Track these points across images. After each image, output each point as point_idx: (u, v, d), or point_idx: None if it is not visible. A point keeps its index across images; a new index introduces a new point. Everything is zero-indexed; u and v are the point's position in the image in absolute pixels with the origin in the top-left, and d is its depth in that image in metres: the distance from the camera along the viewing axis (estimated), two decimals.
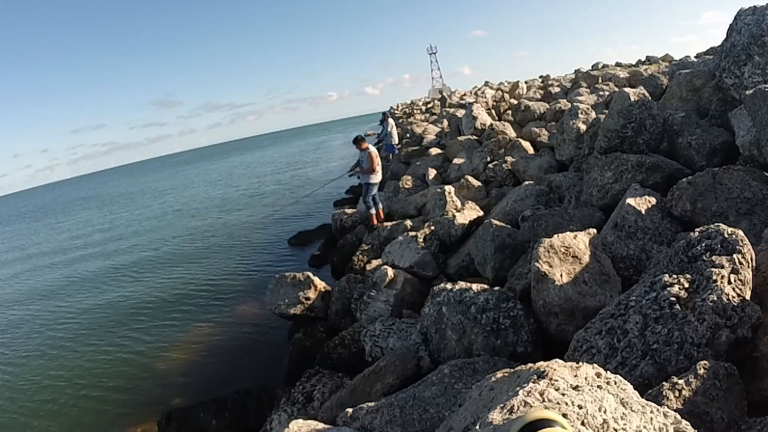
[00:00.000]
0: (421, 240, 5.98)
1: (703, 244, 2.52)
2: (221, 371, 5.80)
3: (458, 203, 6.74)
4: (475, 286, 3.69)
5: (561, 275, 3.27)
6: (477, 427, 1.50)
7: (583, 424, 1.36)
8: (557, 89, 17.86)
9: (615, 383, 1.61)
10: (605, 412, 1.42)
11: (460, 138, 11.66)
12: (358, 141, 8.74)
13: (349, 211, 10.22)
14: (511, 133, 10.06)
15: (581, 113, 7.05)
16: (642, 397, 1.65)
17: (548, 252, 3.37)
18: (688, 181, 3.91)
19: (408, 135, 19.08)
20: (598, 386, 1.56)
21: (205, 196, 26.20)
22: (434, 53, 70.01)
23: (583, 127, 6.84)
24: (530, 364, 1.76)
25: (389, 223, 8.06)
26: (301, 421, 2.66)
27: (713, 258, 2.40)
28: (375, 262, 6.69)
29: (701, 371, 1.91)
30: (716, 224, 2.60)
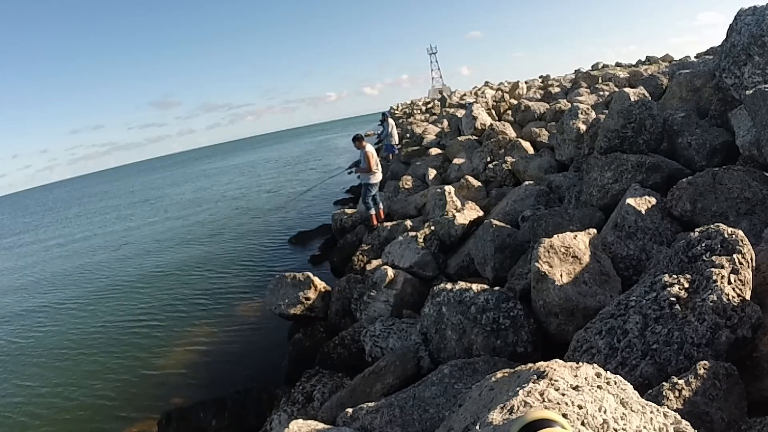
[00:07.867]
0: (421, 240, 5.98)
1: (703, 244, 2.52)
2: (221, 371, 5.80)
3: (458, 203, 6.74)
4: (475, 286, 3.69)
5: (561, 275, 3.26)
6: (477, 427, 1.50)
7: (583, 424, 1.36)
8: (557, 89, 17.85)
9: (615, 383, 1.61)
10: (605, 412, 1.42)
11: (460, 138, 11.66)
12: (357, 139, 8.79)
13: (349, 211, 10.23)
14: (511, 133, 10.05)
15: (581, 113, 7.05)
16: (642, 397, 1.65)
17: (548, 252, 3.37)
18: (688, 181, 3.91)
19: (408, 135, 19.08)
20: (598, 386, 1.56)
21: (210, 192, 26.21)
22: (434, 53, 70.20)
23: (583, 127, 6.83)
24: (530, 364, 1.76)
25: (389, 223, 8.06)
26: (301, 421, 2.65)
27: (713, 258, 2.40)
28: (375, 262, 6.69)
29: (701, 371, 1.91)
30: (716, 224, 2.59)
